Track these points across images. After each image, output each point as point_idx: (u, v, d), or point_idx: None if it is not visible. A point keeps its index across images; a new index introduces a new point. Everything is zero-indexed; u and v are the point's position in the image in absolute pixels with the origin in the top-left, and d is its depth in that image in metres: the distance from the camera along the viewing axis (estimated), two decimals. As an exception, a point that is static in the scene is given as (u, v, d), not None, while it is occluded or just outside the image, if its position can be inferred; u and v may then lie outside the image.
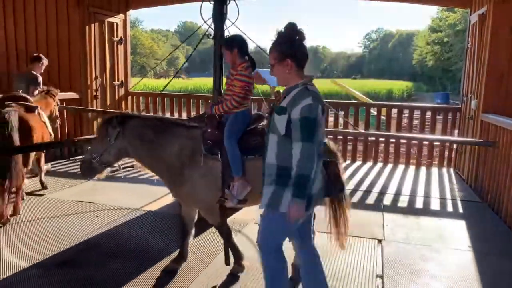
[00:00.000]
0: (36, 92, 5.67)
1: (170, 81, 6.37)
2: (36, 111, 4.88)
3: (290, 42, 2.39)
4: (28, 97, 5.02)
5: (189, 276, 3.42)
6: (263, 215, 2.54)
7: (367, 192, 5.96)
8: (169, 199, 5.01)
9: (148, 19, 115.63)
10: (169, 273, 3.42)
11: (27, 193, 5.24)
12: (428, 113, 7.98)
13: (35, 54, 6.02)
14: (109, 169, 3.43)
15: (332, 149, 3.22)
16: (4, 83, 7.88)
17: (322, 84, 45.14)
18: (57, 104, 5.72)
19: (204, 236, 4.11)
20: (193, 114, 8.40)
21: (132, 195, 5.46)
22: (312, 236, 2.75)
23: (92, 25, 7.75)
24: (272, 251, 2.55)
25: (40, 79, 5.83)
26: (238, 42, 3.46)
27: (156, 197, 5.30)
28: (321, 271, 2.69)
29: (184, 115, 8.54)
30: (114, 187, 5.70)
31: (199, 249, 3.83)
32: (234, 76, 3.36)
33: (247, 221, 4.53)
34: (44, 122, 5.01)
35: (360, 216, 4.90)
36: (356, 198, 5.70)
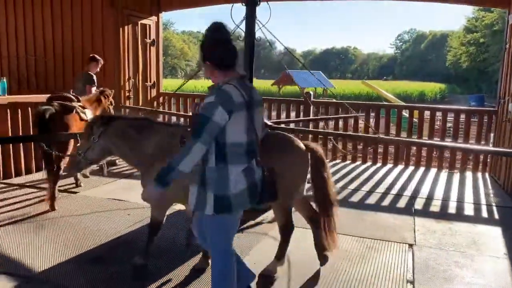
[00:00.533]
0: (93, 89, 6.07)
1: (185, 82, 6.48)
2: (75, 110, 5.06)
3: (209, 43, 2.39)
4: (71, 96, 5.24)
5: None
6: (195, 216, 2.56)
7: (398, 195, 5.85)
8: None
9: (179, 21, 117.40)
10: (198, 271, 3.46)
11: (62, 191, 5.41)
12: (463, 116, 7.75)
13: (92, 55, 6.41)
14: (94, 166, 3.61)
15: (319, 155, 3.29)
16: (42, 84, 8.19)
17: (352, 85, 44.75)
18: (111, 104, 5.95)
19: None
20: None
21: (163, 194, 5.54)
22: None
23: (126, 27, 7.94)
24: (221, 251, 2.52)
25: (95, 77, 6.22)
26: None
27: (186, 196, 5.35)
28: None
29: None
30: (145, 185, 5.80)
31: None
32: None
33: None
34: (86, 120, 5.19)
35: (390, 220, 4.82)
36: (386, 201, 5.61)
